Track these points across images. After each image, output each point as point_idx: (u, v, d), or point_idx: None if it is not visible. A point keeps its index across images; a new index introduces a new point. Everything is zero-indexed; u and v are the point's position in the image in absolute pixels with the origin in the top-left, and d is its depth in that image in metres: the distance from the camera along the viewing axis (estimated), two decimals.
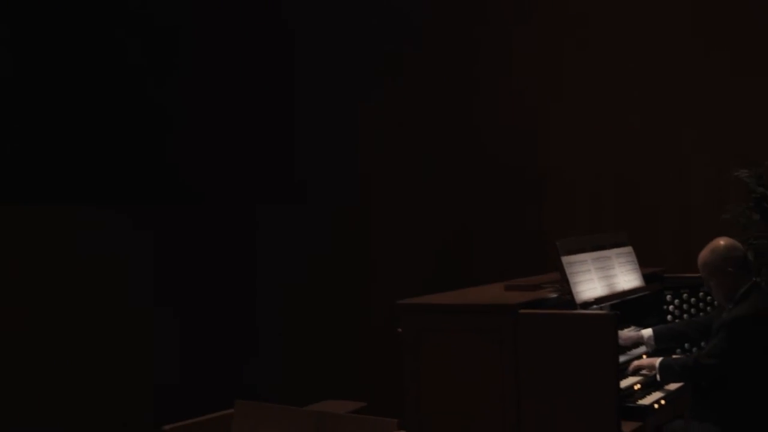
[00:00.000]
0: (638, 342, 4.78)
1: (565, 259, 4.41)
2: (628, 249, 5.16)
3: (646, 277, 5.17)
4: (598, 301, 4.46)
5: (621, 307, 4.92)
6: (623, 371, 4.44)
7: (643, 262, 5.35)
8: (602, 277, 4.71)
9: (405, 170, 7.50)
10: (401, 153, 7.49)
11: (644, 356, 4.74)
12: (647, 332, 4.76)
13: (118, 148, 7.70)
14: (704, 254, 4.33)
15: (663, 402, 4.30)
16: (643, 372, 4.44)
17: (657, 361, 4.39)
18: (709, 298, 5.14)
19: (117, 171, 7.66)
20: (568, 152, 6.78)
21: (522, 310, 3.98)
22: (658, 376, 4.38)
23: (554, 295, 4.36)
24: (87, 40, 7.51)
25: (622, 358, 4.54)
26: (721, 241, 4.33)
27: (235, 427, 5.03)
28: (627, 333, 4.77)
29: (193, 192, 8.18)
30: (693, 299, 5.22)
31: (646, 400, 4.24)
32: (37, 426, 6.70)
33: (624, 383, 4.32)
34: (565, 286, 4.37)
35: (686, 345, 5.10)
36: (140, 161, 7.90)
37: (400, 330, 4.29)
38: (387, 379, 5.58)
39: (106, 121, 7.62)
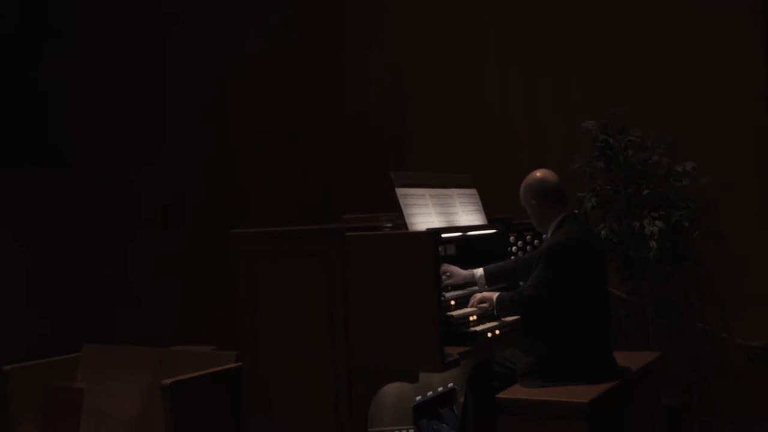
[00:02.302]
0: (471, 281, 4.77)
1: (400, 191, 4.42)
2: (472, 191, 5.15)
3: (492, 221, 5.18)
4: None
5: (465, 248, 5.00)
6: (464, 304, 4.50)
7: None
8: (441, 213, 4.70)
9: (274, 130, 7.59)
10: (271, 112, 7.61)
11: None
12: (478, 271, 4.76)
13: None
14: (521, 186, 4.46)
15: (497, 332, 4.32)
16: (483, 305, 4.46)
17: (495, 295, 4.46)
18: None
19: None
20: (427, 111, 6.95)
21: (349, 233, 3.98)
22: (495, 311, 4.45)
23: (389, 225, 4.37)
24: None
25: (459, 292, 4.63)
26: (537, 173, 4.46)
27: (83, 368, 5.02)
28: (461, 271, 4.73)
29: (65, 158, 8.10)
30: (536, 241, 5.23)
31: (479, 328, 4.27)
32: None
33: (460, 312, 4.36)
34: (400, 217, 4.38)
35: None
36: (11, 127, 7.79)
37: None
38: None
39: None
